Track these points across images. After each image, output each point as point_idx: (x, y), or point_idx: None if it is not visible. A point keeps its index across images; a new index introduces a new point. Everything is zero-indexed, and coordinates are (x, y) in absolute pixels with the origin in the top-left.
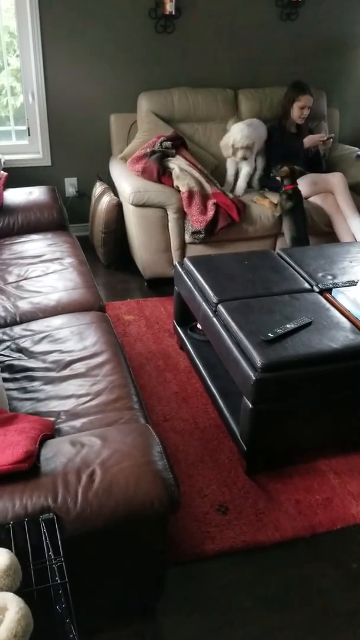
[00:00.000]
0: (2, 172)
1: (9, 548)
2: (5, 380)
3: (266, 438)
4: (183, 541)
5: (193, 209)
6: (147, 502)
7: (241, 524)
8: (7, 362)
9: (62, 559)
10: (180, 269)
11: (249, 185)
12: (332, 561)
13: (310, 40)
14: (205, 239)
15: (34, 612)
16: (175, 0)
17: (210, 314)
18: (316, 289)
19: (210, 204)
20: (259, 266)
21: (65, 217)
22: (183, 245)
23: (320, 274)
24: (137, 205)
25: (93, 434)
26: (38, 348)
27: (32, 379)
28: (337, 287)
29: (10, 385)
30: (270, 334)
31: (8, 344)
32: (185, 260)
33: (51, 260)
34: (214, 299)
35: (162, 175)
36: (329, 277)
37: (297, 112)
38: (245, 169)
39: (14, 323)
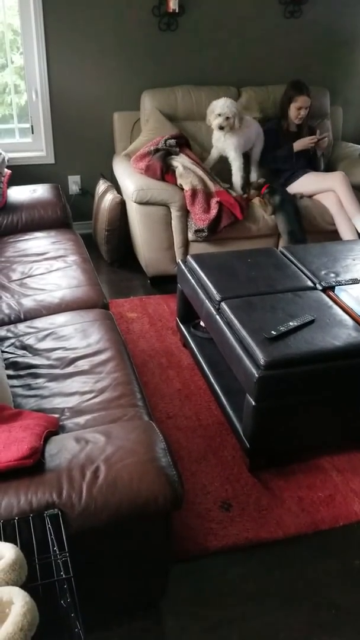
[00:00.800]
0: (5, 170)
1: (14, 543)
2: (9, 377)
3: (269, 435)
4: (186, 537)
5: (196, 207)
6: (151, 498)
7: (244, 520)
8: (11, 359)
9: (67, 554)
10: (183, 267)
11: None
12: (335, 558)
13: (313, 38)
14: (208, 237)
15: (39, 606)
16: None
17: (214, 312)
18: (319, 287)
19: (214, 202)
20: (262, 264)
21: (68, 214)
22: (186, 243)
23: (323, 272)
24: (140, 203)
25: (97, 431)
26: (42, 345)
27: (36, 376)
28: (340, 285)
29: (15, 382)
30: (273, 332)
31: (12, 341)
32: (189, 258)
33: (55, 258)
34: (217, 297)
35: (166, 173)
36: (332, 275)
37: (294, 112)
38: (235, 164)
39: (18, 320)
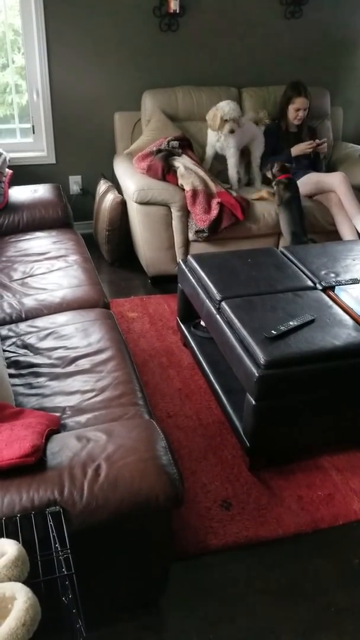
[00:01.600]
0: (7, 170)
1: (16, 540)
2: (11, 376)
3: (269, 434)
4: (187, 536)
5: (197, 208)
6: (151, 496)
7: (244, 519)
8: (13, 358)
9: (69, 551)
10: (183, 267)
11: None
12: (334, 557)
13: (314, 39)
14: (209, 237)
15: (41, 602)
16: None
17: (214, 311)
18: (319, 287)
19: (215, 203)
20: (262, 264)
21: (69, 214)
22: (186, 243)
23: (323, 272)
24: (141, 203)
25: (98, 429)
26: (43, 344)
27: (37, 375)
28: (340, 284)
29: (16, 381)
30: (273, 331)
31: (14, 340)
32: (189, 257)
33: (56, 258)
34: (218, 297)
35: (167, 174)
36: (332, 274)
37: (293, 113)
38: (232, 160)
39: (20, 320)
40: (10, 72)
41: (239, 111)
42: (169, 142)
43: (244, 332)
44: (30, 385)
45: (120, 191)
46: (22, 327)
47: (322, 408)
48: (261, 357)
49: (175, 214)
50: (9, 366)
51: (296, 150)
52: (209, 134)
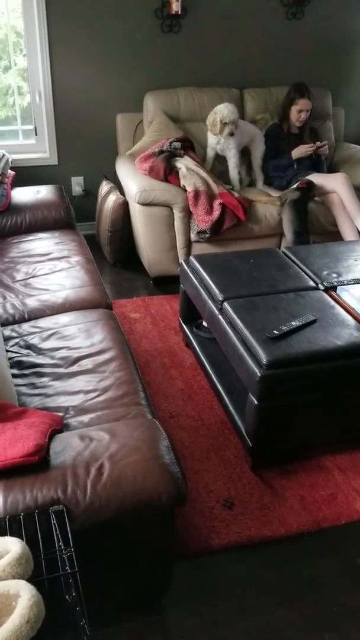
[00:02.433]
0: (9, 171)
1: (20, 538)
2: (14, 376)
3: (271, 434)
4: (189, 535)
5: (199, 209)
6: (154, 495)
7: (246, 519)
8: (16, 359)
9: (72, 550)
10: (186, 267)
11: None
12: (337, 556)
13: (315, 39)
14: (211, 238)
15: (45, 600)
16: None
17: (216, 312)
18: (321, 287)
19: (217, 204)
20: (264, 264)
21: (72, 215)
22: (189, 244)
23: (325, 272)
24: (143, 204)
25: (101, 429)
26: (46, 345)
27: (40, 375)
28: (341, 285)
29: (19, 381)
30: (275, 331)
31: (17, 340)
32: (191, 258)
33: (58, 259)
34: (220, 297)
35: (169, 175)
36: (334, 275)
37: (295, 115)
38: (232, 161)
39: (23, 320)
40: (13, 74)
41: (237, 113)
42: (171, 143)
43: (246, 333)
44: (33, 385)
45: (122, 192)
46: (25, 327)
47: (324, 408)
48: (263, 357)
49: (178, 214)
50: (12, 366)
51: (297, 153)
52: (208, 136)
